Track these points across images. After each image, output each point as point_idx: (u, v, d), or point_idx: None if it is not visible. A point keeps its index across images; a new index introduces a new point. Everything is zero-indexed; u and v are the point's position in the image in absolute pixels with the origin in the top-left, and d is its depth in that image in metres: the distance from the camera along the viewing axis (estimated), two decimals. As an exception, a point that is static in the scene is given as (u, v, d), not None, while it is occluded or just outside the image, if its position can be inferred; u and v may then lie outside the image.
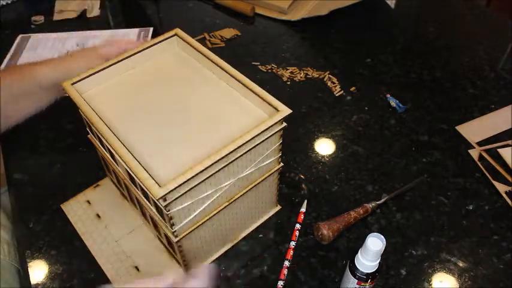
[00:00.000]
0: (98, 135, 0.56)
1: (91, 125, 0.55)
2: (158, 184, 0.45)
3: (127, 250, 0.62)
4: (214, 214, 0.54)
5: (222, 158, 0.47)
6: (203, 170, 0.46)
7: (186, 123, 0.54)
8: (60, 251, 0.62)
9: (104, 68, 0.58)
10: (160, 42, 0.62)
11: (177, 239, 0.52)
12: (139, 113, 0.56)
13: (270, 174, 0.58)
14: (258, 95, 0.55)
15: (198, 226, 0.53)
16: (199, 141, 0.52)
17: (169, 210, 0.48)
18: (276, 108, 0.53)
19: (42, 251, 0.63)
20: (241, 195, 0.56)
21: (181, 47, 0.64)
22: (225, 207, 0.55)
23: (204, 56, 0.60)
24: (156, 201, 0.48)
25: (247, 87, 0.56)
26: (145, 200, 0.54)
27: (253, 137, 0.49)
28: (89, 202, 0.67)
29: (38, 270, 0.61)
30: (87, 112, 0.53)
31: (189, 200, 0.49)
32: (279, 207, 0.67)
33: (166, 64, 0.63)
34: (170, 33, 0.63)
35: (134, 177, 0.49)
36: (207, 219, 0.54)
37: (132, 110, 0.56)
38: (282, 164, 0.59)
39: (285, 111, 0.52)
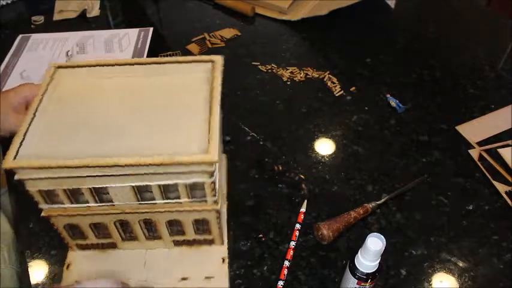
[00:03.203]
0: (67, 192, 0.51)
1: (64, 180, 0.49)
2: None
3: (158, 277, 0.59)
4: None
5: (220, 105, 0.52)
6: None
7: (152, 115, 0.54)
8: (60, 251, 0.62)
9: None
10: (49, 83, 0.56)
11: (219, 205, 0.54)
12: (101, 135, 0.51)
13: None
14: (185, 61, 0.58)
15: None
16: (174, 119, 0.53)
17: (213, 176, 0.49)
18: (211, 61, 0.58)
19: (42, 251, 0.63)
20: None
21: (70, 73, 0.58)
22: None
23: (99, 65, 0.58)
24: (189, 186, 0.50)
25: (167, 63, 0.58)
26: (167, 200, 0.53)
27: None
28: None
29: (38, 270, 0.61)
30: (56, 163, 0.46)
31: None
32: None
33: (70, 93, 0.57)
34: (50, 71, 0.57)
35: (170, 172, 0.48)
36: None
37: (88, 138, 0.51)
38: None
39: (220, 58, 0.58)
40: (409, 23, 1.10)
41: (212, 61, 0.58)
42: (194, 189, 0.52)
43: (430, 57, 0.96)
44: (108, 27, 1.05)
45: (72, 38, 1.00)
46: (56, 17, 1.07)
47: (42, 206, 0.53)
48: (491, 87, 0.88)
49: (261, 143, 0.77)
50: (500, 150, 0.75)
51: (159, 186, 0.51)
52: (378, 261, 0.49)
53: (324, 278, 0.59)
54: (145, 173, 0.48)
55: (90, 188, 0.51)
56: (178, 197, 0.53)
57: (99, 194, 0.52)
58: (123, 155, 0.47)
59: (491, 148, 0.76)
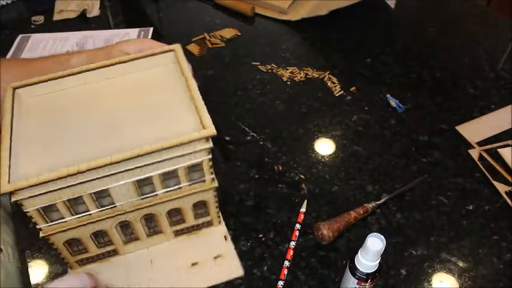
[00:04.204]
0: (67, 204, 0.50)
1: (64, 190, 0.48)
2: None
3: (168, 270, 0.60)
4: None
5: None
6: None
7: (135, 111, 0.55)
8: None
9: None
10: (13, 103, 0.54)
11: (216, 182, 0.56)
12: (90, 140, 0.51)
13: None
14: (146, 56, 0.59)
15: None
16: (158, 110, 0.54)
17: (210, 153, 0.52)
18: (171, 50, 0.59)
19: (42, 251, 0.63)
20: None
21: (30, 90, 0.57)
22: None
23: (55, 78, 0.57)
24: (188, 168, 0.52)
25: (129, 61, 0.59)
26: (168, 188, 0.54)
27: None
28: None
29: (38, 270, 0.61)
30: (56, 175, 0.45)
31: None
32: None
33: (39, 108, 0.56)
34: (9, 92, 0.55)
35: (173, 154, 0.49)
36: None
37: (77, 145, 0.51)
38: None
39: (178, 45, 0.60)
40: (409, 23, 1.10)
41: (172, 50, 0.59)
42: (192, 172, 0.54)
43: (430, 57, 0.96)
44: (108, 27, 1.05)
45: (72, 38, 1.00)
46: (56, 17, 1.07)
47: (41, 225, 0.52)
48: (491, 87, 0.88)
49: (261, 143, 0.77)
50: (500, 150, 0.75)
51: (160, 175, 0.52)
52: (378, 261, 0.49)
53: (324, 278, 0.59)
54: (146, 164, 0.49)
55: (91, 194, 0.50)
56: (178, 183, 0.54)
57: (100, 198, 0.52)
58: (123, 151, 0.47)
59: (491, 148, 0.76)
